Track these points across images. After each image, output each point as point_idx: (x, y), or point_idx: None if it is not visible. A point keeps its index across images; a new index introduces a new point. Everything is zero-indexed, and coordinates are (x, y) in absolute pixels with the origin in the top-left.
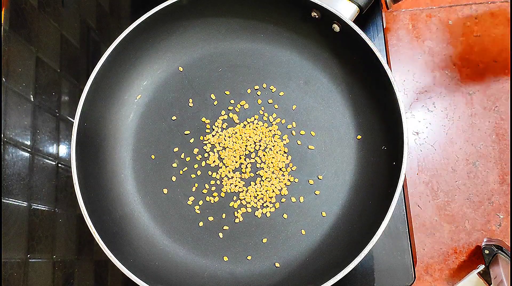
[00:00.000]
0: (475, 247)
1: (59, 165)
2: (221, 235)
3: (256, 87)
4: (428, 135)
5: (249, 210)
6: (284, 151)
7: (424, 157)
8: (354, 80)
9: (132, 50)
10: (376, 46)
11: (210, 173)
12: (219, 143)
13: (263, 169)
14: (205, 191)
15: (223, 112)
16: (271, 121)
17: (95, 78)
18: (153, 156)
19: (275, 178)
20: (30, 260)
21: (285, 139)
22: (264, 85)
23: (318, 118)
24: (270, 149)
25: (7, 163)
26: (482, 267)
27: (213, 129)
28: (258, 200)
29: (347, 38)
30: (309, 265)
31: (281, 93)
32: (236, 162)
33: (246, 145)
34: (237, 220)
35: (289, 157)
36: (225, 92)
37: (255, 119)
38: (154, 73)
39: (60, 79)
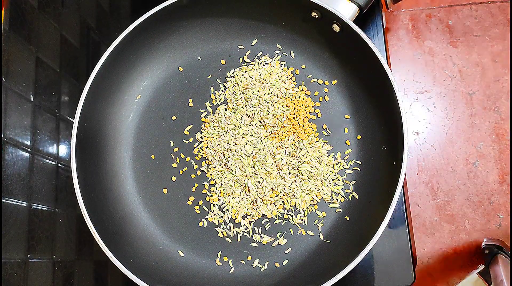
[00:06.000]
0: (475, 247)
1: (59, 165)
2: (221, 235)
3: None
4: (428, 135)
5: None
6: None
7: (424, 157)
8: (354, 80)
9: (132, 50)
10: (376, 46)
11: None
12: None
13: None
14: (205, 191)
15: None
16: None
17: (95, 78)
18: (153, 156)
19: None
20: (30, 260)
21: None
22: None
23: (318, 118)
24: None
25: (7, 163)
26: (482, 267)
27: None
28: None
29: (347, 38)
30: (309, 265)
31: None
32: None
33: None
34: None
35: None
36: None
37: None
38: (154, 73)
39: (60, 79)
